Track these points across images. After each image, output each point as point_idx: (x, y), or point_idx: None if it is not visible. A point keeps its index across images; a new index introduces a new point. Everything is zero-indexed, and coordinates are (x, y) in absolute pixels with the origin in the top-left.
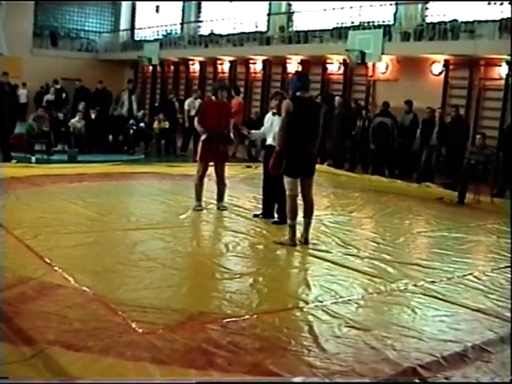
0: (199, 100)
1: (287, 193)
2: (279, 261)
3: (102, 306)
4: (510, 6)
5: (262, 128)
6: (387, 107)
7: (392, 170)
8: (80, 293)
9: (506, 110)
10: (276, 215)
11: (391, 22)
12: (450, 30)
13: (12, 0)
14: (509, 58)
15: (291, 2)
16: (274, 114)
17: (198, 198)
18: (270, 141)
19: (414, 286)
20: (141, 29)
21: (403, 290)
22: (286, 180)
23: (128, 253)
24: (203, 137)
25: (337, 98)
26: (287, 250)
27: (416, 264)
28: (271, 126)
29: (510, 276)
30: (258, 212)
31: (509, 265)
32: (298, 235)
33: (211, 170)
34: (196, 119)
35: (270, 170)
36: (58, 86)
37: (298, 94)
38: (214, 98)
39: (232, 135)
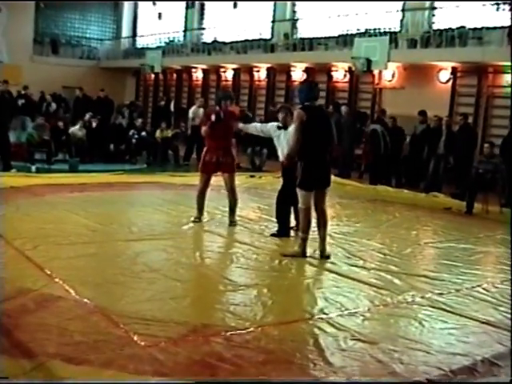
0: (202, 109)
1: (301, 206)
2: (284, 272)
3: (103, 319)
4: (510, 12)
5: (260, 125)
6: (382, 114)
7: (399, 180)
8: (81, 305)
9: None
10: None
11: (397, 29)
12: (457, 37)
13: (11, 0)
14: None
15: (296, 9)
16: (279, 127)
17: (199, 210)
18: (281, 158)
19: (422, 298)
20: (143, 36)
21: (410, 302)
22: (301, 193)
23: (130, 264)
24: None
25: (343, 107)
26: (292, 262)
27: (423, 275)
28: (278, 140)
29: None
30: (273, 229)
31: None
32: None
33: (221, 181)
34: (203, 129)
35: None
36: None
37: (307, 103)
38: (217, 107)
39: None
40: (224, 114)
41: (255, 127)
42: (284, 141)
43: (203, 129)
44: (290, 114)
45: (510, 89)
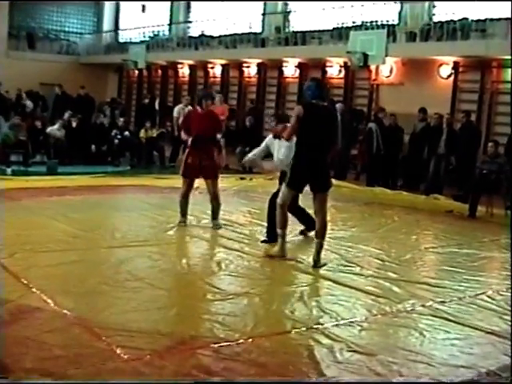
0: (190, 107)
1: (278, 201)
2: (276, 280)
3: (84, 331)
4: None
5: (257, 150)
6: (379, 111)
7: (394, 181)
8: (60, 316)
9: None
10: None
11: (396, 22)
12: (459, 30)
13: None
14: None
15: (288, 1)
16: (274, 137)
17: (183, 214)
18: (280, 167)
19: (422, 306)
20: (126, 30)
21: (410, 311)
22: (284, 189)
23: (113, 272)
24: (189, 141)
25: (338, 104)
26: (284, 269)
27: (424, 283)
28: (274, 150)
29: None
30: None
31: None
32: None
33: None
34: (182, 135)
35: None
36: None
37: (315, 102)
38: (198, 108)
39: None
40: (205, 114)
41: (255, 155)
42: (278, 151)
43: (182, 135)
44: (285, 120)
45: (509, 85)
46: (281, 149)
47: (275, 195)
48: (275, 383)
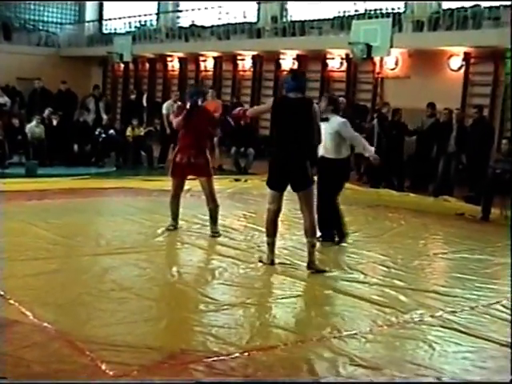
0: (179, 103)
1: (266, 205)
2: (273, 289)
3: (66, 345)
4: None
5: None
6: (383, 107)
7: (401, 182)
8: (40, 330)
9: None
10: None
11: (402, 10)
12: (470, 18)
13: None
14: None
15: None
16: (322, 119)
17: (173, 216)
18: (321, 151)
19: (431, 316)
20: (110, 20)
21: (418, 322)
22: (267, 191)
23: (97, 282)
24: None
25: (340, 98)
26: (282, 277)
27: (433, 291)
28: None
29: None
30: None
31: None
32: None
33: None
34: (175, 120)
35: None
36: None
37: (290, 94)
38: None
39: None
40: (197, 111)
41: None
42: (326, 134)
43: (175, 120)
44: (331, 103)
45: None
46: (326, 134)
47: (327, 189)
48: (276, 383)
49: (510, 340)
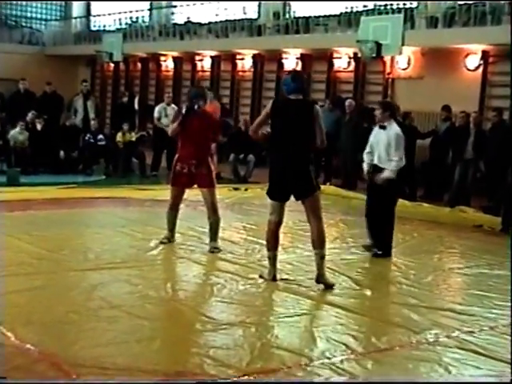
0: (173, 106)
1: (268, 217)
2: (275, 307)
3: (51, 368)
4: None
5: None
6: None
7: (413, 191)
8: (23, 351)
9: None
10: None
11: (414, 5)
12: (489, 13)
13: None
14: None
15: None
16: (380, 127)
17: (170, 228)
18: (375, 160)
19: (447, 337)
20: (99, 16)
21: (433, 343)
22: (268, 202)
23: (84, 299)
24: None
25: (348, 100)
26: (284, 294)
27: (449, 309)
28: (377, 142)
29: None
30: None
31: None
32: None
33: (198, 195)
34: (170, 126)
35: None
36: None
37: (291, 96)
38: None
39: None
40: (195, 115)
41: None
42: (381, 144)
43: (170, 126)
44: (387, 108)
45: None
46: (381, 144)
47: (382, 200)
48: (276, 383)
49: None
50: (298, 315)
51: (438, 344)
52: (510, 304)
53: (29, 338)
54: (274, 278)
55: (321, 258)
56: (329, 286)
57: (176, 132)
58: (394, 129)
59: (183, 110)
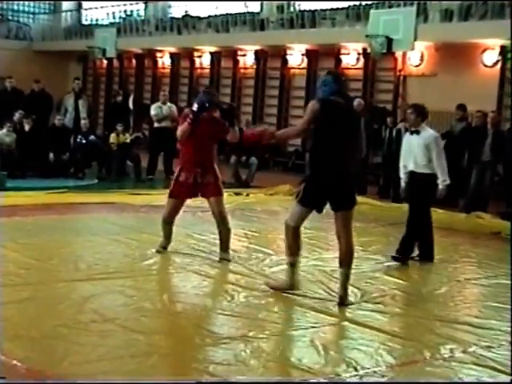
0: (169, 104)
1: (288, 222)
2: (279, 320)
3: None
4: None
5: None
6: (407, 109)
7: None
8: (8, 368)
9: None
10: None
11: None
12: (508, 5)
13: None
14: None
15: None
16: (412, 132)
17: (166, 236)
18: (411, 166)
19: (463, 352)
20: (91, 9)
21: (448, 359)
22: (295, 207)
23: (76, 312)
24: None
25: (357, 100)
26: (289, 306)
27: (464, 323)
28: (410, 149)
29: None
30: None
31: None
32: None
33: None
34: (179, 128)
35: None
36: None
37: (332, 98)
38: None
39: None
40: (202, 119)
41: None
42: (417, 148)
43: (179, 129)
44: (420, 113)
45: None
46: (418, 148)
47: (420, 207)
48: (277, 383)
49: None
50: (304, 329)
51: (454, 360)
52: None
53: (15, 353)
54: (292, 287)
55: (347, 278)
56: (349, 304)
57: (187, 134)
58: (429, 132)
59: (191, 113)
